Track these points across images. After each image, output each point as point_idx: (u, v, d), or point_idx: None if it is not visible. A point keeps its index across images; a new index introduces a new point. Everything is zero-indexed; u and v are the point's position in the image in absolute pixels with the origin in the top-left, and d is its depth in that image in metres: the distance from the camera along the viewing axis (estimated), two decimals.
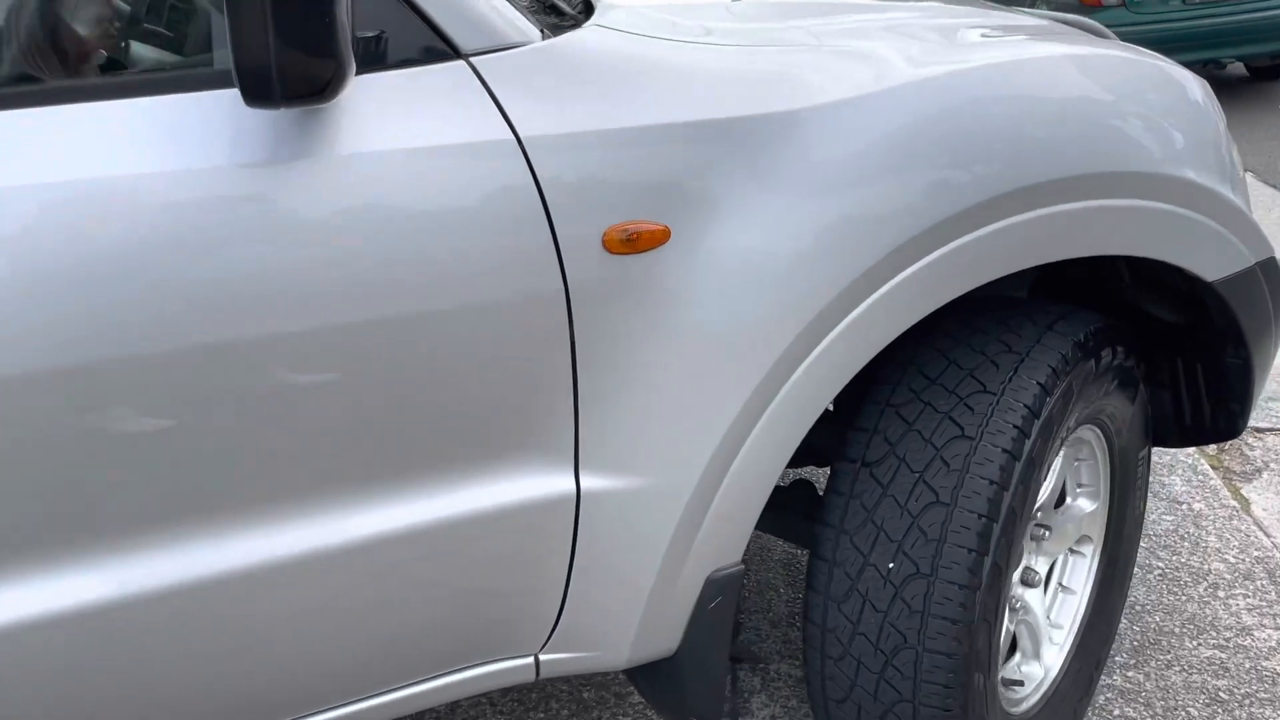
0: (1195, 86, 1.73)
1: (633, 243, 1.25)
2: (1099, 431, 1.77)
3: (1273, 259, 1.71)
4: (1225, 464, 2.99)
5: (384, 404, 1.18)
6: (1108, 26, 2.07)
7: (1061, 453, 1.70)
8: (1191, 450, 3.02)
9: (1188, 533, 2.62)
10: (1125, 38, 1.98)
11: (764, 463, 1.37)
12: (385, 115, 1.14)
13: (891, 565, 1.46)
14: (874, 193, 1.33)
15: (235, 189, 1.07)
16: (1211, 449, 3.09)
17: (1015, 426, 1.46)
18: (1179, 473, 2.91)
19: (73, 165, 1.03)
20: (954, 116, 1.38)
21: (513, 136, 1.18)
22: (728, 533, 1.40)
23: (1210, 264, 1.61)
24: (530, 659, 1.42)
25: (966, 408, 1.49)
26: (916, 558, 1.44)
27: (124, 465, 1.08)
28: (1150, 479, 2.87)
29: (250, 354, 1.09)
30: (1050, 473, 1.71)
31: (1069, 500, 1.85)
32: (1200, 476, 2.89)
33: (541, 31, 1.25)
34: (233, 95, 1.03)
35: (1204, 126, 1.66)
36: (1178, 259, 1.58)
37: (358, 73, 1.11)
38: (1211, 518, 2.69)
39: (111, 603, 1.10)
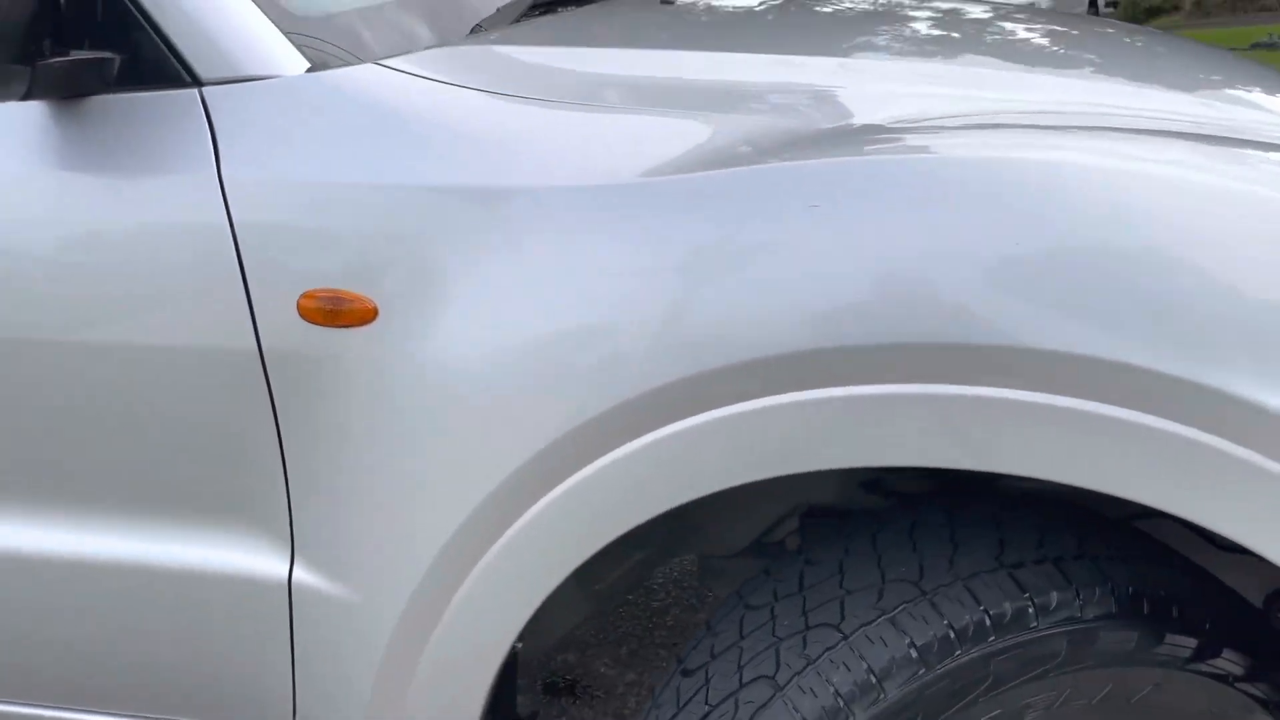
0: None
1: (333, 315, 1.06)
2: None
3: None
4: None
5: (80, 428, 1.15)
6: None
7: None
8: None
9: None
10: None
11: (493, 611, 1.09)
12: (115, 138, 1.11)
13: None
14: (625, 317, 0.98)
15: None
16: None
17: (837, 695, 0.97)
18: None
19: None
20: (744, 229, 0.96)
21: (215, 174, 1.07)
22: (452, 689, 1.13)
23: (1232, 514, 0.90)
24: None
25: (801, 642, 1.02)
26: None
27: None
28: None
29: None
30: None
31: None
32: None
33: (311, 65, 1.11)
34: None
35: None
36: (1142, 494, 0.91)
37: (94, 92, 1.10)
38: None
39: None
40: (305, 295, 1.06)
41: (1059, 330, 0.89)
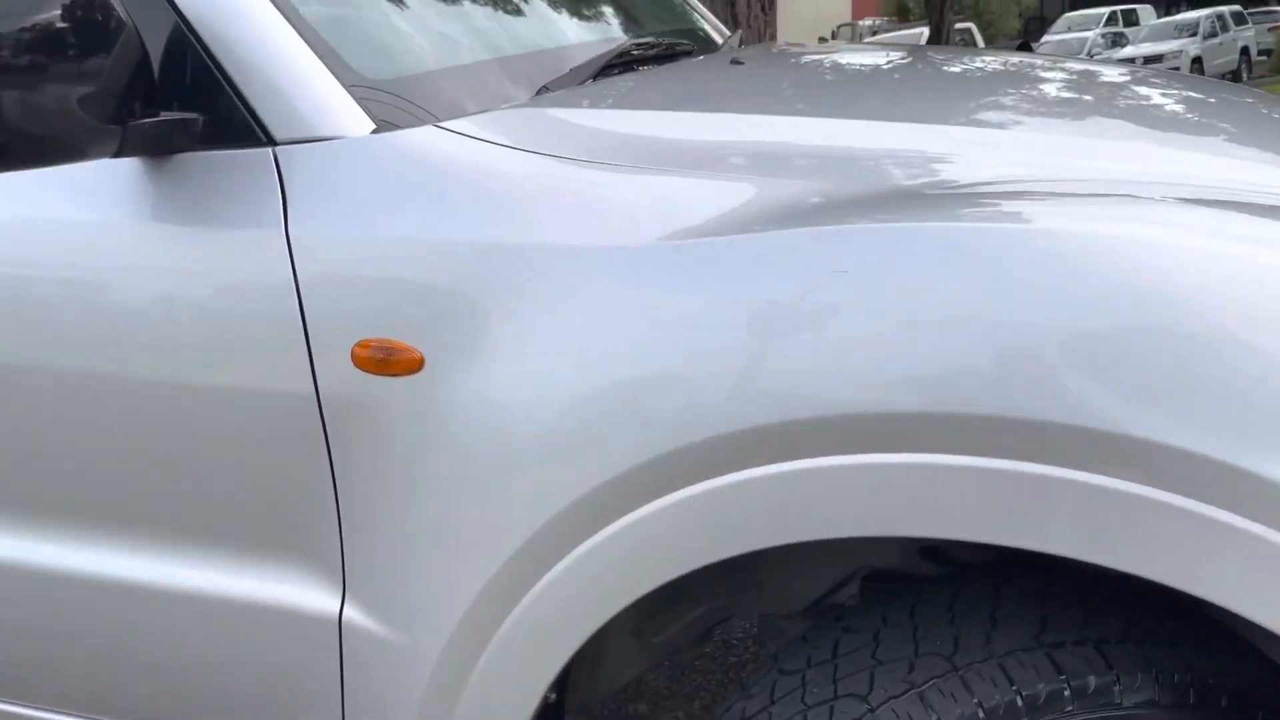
0: None
1: (383, 364, 1.11)
2: None
3: None
4: None
5: (150, 461, 1.23)
6: None
7: None
8: None
9: None
10: None
11: (524, 661, 1.10)
12: (198, 192, 1.18)
13: None
14: (665, 375, 0.99)
15: (45, 240, 1.22)
16: None
17: None
18: None
19: None
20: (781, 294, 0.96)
21: (283, 229, 1.14)
22: None
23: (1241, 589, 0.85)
24: None
25: (828, 712, 1.00)
26: None
27: None
28: None
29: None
30: None
31: None
32: None
33: (376, 125, 1.16)
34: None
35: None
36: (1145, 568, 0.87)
37: (180, 150, 1.18)
38: None
39: None
40: (359, 344, 1.11)
41: (1113, 412, 0.86)
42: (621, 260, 1.03)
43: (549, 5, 1.71)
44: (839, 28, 27.54)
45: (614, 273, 1.03)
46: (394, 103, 1.20)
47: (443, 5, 1.49)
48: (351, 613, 1.20)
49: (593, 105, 1.32)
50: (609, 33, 1.79)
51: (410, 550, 1.14)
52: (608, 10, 1.94)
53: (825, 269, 0.95)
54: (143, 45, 1.13)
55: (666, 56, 1.71)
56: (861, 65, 1.84)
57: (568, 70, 1.44)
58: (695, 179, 1.10)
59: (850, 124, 1.28)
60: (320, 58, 1.18)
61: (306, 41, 1.18)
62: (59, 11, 1.06)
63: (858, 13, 31.15)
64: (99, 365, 1.22)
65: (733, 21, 6.37)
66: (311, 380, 1.13)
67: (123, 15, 1.08)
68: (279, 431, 1.17)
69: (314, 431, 1.15)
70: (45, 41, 1.03)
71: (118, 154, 1.14)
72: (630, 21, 1.94)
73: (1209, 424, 0.84)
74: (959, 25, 16.57)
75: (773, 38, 6.55)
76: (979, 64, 1.90)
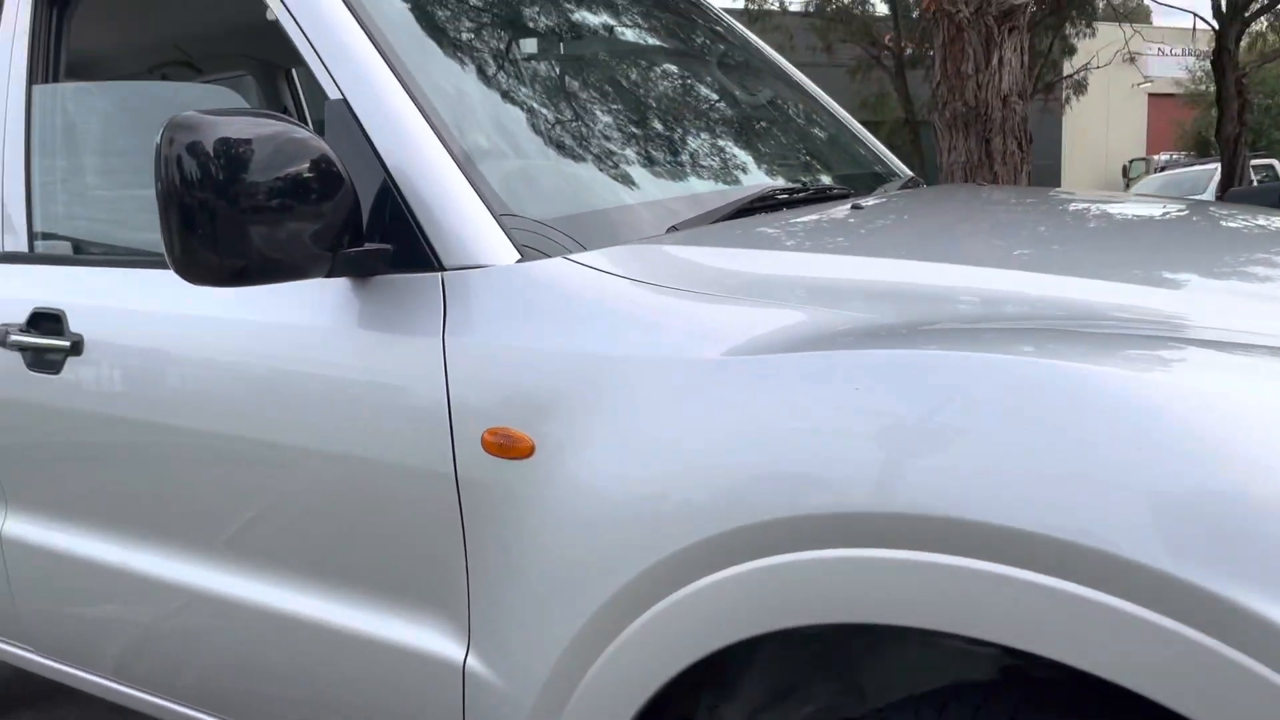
0: None
1: (505, 449, 1.35)
2: None
3: None
4: None
5: (328, 519, 1.52)
6: None
7: None
8: None
9: None
10: None
11: (603, 706, 1.28)
12: (390, 307, 1.48)
13: None
14: (736, 462, 1.16)
15: (266, 341, 1.57)
16: None
17: None
18: None
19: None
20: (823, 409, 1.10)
21: (440, 338, 1.41)
22: None
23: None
24: None
25: None
26: None
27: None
28: None
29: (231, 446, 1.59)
30: None
31: None
32: None
33: (521, 255, 1.43)
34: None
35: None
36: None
37: (376, 273, 1.50)
38: None
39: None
40: (488, 431, 1.36)
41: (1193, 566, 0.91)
42: (697, 371, 1.22)
43: (702, 152, 1.95)
44: (1130, 162, 26.44)
45: (686, 381, 1.22)
46: (541, 236, 1.47)
47: (604, 154, 1.76)
48: (474, 662, 1.42)
49: (703, 244, 1.53)
50: (766, 177, 2.01)
51: (513, 608, 1.35)
52: (779, 156, 2.17)
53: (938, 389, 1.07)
54: (355, 193, 1.46)
55: (813, 200, 1.90)
56: (1005, 212, 1.94)
57: (703, 212, 1.67)
58: (774, 308, 1.28)
59: (937, 266, 1.41)
60: (486, 203, 1.46)
61: (477, 190, 1.47)
62: (301, 168, 1.39)
63: (1153, 147, 29.77)
64: (310, 441, 1.53)
65: (987, 159, 6.42)
66: (452, 460, 1.39)
67: (341, 172, 1.41)
68: (427, 501, 1.42)
69: (451, 502, 1.40)
70: (284, 189, 1.37)
71: (329, 274, 1.46)
72: (793, 167, 2.15)
73: None
74: (1258, 161, 15.50)
75: (1028, 174, 6.53)
76: (1150, 212, 1.96)
